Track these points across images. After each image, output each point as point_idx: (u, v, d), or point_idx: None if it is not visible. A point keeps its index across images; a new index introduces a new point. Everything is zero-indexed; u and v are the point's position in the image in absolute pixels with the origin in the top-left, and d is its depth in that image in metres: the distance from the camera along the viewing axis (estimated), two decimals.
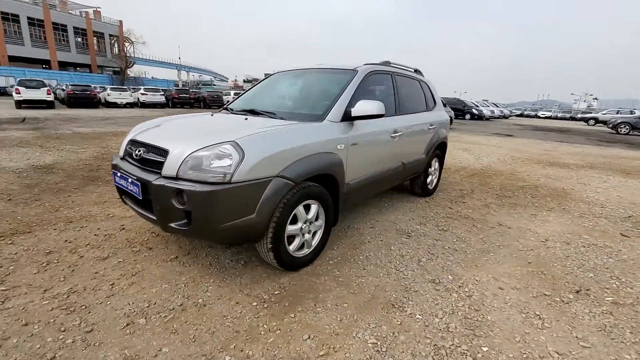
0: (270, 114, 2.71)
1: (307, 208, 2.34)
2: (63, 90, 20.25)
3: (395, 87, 3.39)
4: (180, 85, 59.62)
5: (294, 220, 2.25)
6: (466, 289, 2.22)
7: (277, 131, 2.20)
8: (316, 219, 2.44)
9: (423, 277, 2.36)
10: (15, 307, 1.86)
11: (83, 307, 1.89)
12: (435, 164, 4.30)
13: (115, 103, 20.92)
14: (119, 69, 48.59)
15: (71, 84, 20.41)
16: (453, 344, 1.71)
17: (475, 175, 5.77)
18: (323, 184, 2.45)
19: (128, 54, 50.83)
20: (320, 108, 2.63)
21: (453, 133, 13.64)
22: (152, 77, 61.10)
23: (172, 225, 1.98)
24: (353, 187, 2.75)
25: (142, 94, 22.05)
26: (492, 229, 3.31)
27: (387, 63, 3.54)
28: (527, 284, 2.31)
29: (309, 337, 1.73)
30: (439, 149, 4.33)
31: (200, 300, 2.00)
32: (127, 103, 21.35)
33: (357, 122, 2.73)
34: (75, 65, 47.05)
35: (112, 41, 51.51)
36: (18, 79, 17.11)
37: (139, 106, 22.01)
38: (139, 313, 1.86)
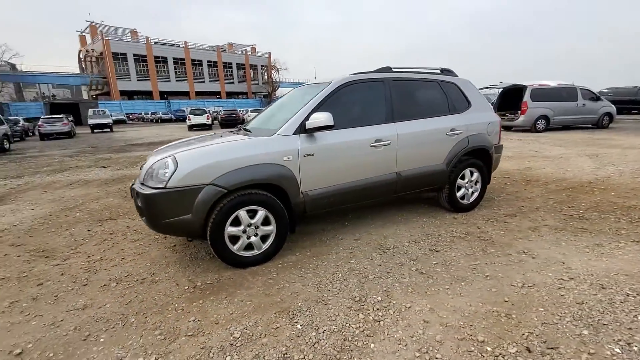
0: (249, 132, 3.09)
1: (254, 213, 2.61)
2: (219, 114, 26.08)
3: (388, 94, 3.21)
4: None
5: (237, 223, 2.56)
6: (382, 313, 2.01)
7: (217, 146, 2.59)
8: (267, 225, 2.67)
9: (350, 293, 2.24)
10: (63, 264, 2.87)
11: (95, 269, 2.74)
12: (471, 175, 3.69)
13: None
14: (267, 93, 58.34)
15: (224, 109, 25.96)
16: (304, 358, 1.67)
17: (569, 189, 4.51)
18: (274, 193, 2.67)
19: (274, 80, 60.41)
20: (280, 123, 2.85)
21: (601, 134, 10.59)
22: None
23: (142, 219, 2.63)
24: (314, 197, 2.82)
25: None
26: (507, 256, 2.68)
27: (387, 69, 3.40)
28: (465, 324, 1.89)
29: (194, 320, 2.02)
30: (477, 158, 3.70)
31: (157, 278, 2.56)
32: None
33: (319, 134, 2.81)
34: (236, 94, 59.21)
35: (263, 71, 62.24)
36: (190, 108, 23.06)
37: None
38: (116, 279, 2.56)
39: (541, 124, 12.04)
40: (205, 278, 2.52)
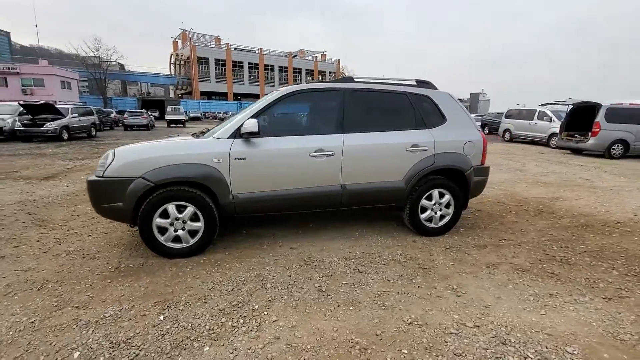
0: (202, 134, 3.26)
1: (183, 208, 2.80)
2: None
3: (341, 105, 3.14)
4: None
5: (166, 216, 2.78)
6: (243, 321, 2.01)
7: (156, 144, 2.84)
8: (196, 221, 2.84)
9: (235, 297, 2.28)
10: (46, 233, 3.41)
11: (63, 241, 3.21)
12: (441, 197, 3.38)
13: None
14: None
15: None
16: (139, 347, 1.78)
17: (582, 227, 3.83)
18: (205, 192, 2.83)
19: None
20: (221, 127, 3.00)
21: None
22: None
23: None
24: (245, 200, 2.90)
25: None
26: (429, 289, 2.43)
27: (348, 79, 3.32)
28: (312, 348, 1.79)
29: (89, 295, 2.26)
30: (449, 178, 3.38)
31: (97, 255, 2.90)
32: None
33: (258, 140, 2.90)
34: None
35: (331, 77, 63.62)
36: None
37: None
38: (68, 251, 2.97)
39: (617, 150, 10.22)
40: (131, 261, 2.78)
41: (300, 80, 58.77)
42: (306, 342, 1.84)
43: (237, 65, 51.86)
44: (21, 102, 13.01)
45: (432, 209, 3.40)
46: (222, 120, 23.26)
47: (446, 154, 3.36)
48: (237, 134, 2.86)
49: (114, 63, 45.81)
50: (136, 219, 2.76)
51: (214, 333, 1.91)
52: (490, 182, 6.16)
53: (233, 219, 3.67)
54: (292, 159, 2.98)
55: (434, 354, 1.77)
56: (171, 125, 26.75)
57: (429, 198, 3.38)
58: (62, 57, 48.36)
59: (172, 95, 52.94)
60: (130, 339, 1.85)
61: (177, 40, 52.82)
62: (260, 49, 54.15)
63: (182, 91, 50.81)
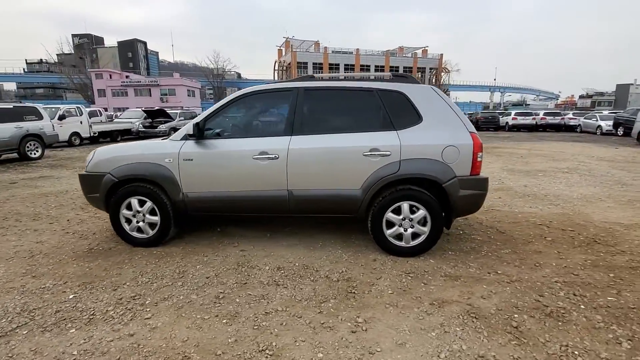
0: (169, 136, 3.50)
1: (144, 203, 3.11)
2: None
3: (294, 105, 2.95)
4: (491, 107, 58.52)
5: (130, 208, 3.13)
6: (99, 316, 2.12)
7: (126, 145, 3.20)
8: (154, 215, 3.12)
9: (135, 289, 2.43)
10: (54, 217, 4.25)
11: (68, 219, 3.95)
12: (412, 212, 2.84)
13: None
14: None
15: None
16: (36, 309, 2.08)
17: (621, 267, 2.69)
18: (160, 189, 3.08)
19: (443, 82, 56.99)
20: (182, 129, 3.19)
21: None
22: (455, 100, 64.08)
23: None
24: (194, 199, 3.04)
25: None
26: (332, 316, 2.11)
27: (309, 78, 3.12)
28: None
29: (48, 268, 2.73)
30: (428, 191, 2.82)
31: (87, 237, 3.46)
32: None
33: (208, 141, 3.00)
34: None
35: (432, 74, 59.63)
36: None
37: None
38: (70, 230, 3.64)
39: None
40: (104, 245, 3.24)
41: None
42: (149, 346, 1.84)
43: (334, 67, 53.48)
44: (143, 109, 16.37)
45: (401, 225, 2.90)
46: None
47: (415, 161, 2.81)
48: (187, 136, 3.02)
49: (232, 72, 53.21)
50: (106, 209, 3.19)
51: (91, 319, 2.08)
52: (558, 196, 4.91)
53: (218, 217, 3.84)
54: (235, 161, 2.97)
55: None
56: None
57: (398, 212, 2.89)
58: (196, 70, 58.75)
59: None
60: (35, 309, 2.17)
61: (281, 48, 57.73)
62: (357, 49, 54.56)
63: None
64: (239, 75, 58.56)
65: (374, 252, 3.04)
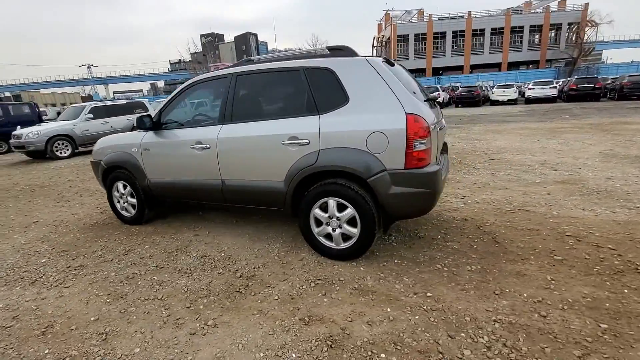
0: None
1: (125, 187, 3.59)
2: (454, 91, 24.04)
3: (227, 92, 2.84)
4: None
5: (117, 191, 3.66)
6: (51, 277, 2.55)
7: (116, 136, 3.67)
8: (133, 197, 3.57)
9: (89, 259, 2.84)
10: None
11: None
12: (340, 210, 2.46)
13: (498, 100, 21.38)
14: (570, 59, 44.81)
15: (463, 86, 23.56)
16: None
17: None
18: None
19: (587, 40, 44.91)
20: None
21: None
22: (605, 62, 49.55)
23: None
24: (155, 185, 3.33)
25: (529, 88, 20.48)
26: (177, 311, 2.07)
27: (247, 61, 2.94)
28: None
29: (57, 236, 3.47)
30: (352, 185, 2.39)
31: (106, 217, 4.20)
32: (509, 100, 21.03)
33: (163, 131, 3.22)
34: (524, 64, 49.78)
35: (571, 29, 47.57)
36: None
37: (524, 102, 20.81)
38: (105, 208, 4.46)
39: None
40: (107, 220, 3.88)
41: (521, 42, 47.62)
42: (40, 310, 2.18)
43: (439, 36, 48.19)
44: None
45: (328, 224, 2.55)
46: None
47: (334, 150, 2.38)
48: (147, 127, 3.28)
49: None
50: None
51: (35, 281, 2.57)
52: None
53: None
54: (176, 151, 3.09)
55: None
56: None
57: (325, 209, 2.54)
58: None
59: None
60: (17, 267, 2.82)
61: (381, 22, 55.00)
62: (469, 12, 47.58)
63: None
64: None
65: (309, 252, 2.77)
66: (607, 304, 1.91)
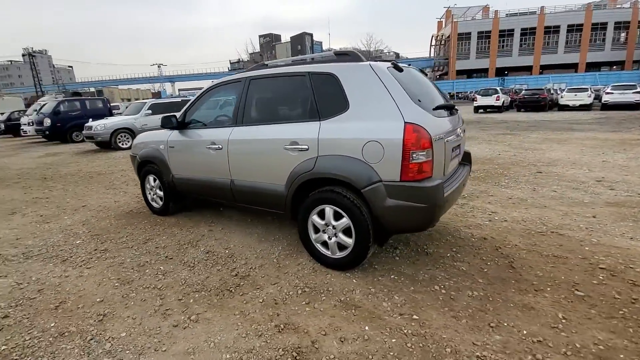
0: None
1: (155, 180, 3.90)
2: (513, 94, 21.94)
3: (244, 95, 2.93)
4: None
5: (149, 183, 3.99)
6: (70, 255, 2.87)
7: (150, 133, 3.99)
8: (161, 190, 3.87)
9: (90, 245, 3.14)
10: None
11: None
12: (336, 218, 2.41)
13: (567, 105, 19.16)
14: None
15: (527, 88, 21.48)
16: None
17: None
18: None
19: None
20: None
21: None
22: None
23: None
24: (178, 180, 3.56)
25: (607, 92, 17.98)
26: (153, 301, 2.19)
27: (261, 65, 3.01)
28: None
29: (96, 220, 3.90)
30: (349, 193, 2.32)
31: (140, 206, 4.61)
32: (581, 105, 18.72)
33: (186, 130, 3.44)
34: (606, 65, 43.99)
35: None
36: (480, 88, 21.38)
37: (600, 108, 18.33)
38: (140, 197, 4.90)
39: None
40: (141, 209, 4.24)
41: (603, 40, 42.09)
42: (61, 287, 2.46)
43: (506, 34, 44.55)
44: None
45: (325, 231, 2.52)
46: (473, 100, 21.25)
47: (331, 158, 2.33)
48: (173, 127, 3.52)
49: (390, 52, 52.85)
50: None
51: (66, 259, 2.92)
52: None
53: None
54: (196, 149, 3.27)
55: None
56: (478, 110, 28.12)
57: (322, 216, 2.51)
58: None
59: None
60: (56, 246, 3.22)
61: (441, 20, 52.48)
62: (542, 7, 43.25)
63: (440, 72, 50.74)
64: (397, 55, 57.45)
65: (307, 258, 2.76)
66: (622, 355, 1.61)
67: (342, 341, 1.81)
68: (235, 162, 2.95)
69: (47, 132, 11.97)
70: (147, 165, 3.89)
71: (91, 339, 1.90)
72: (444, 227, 3.29)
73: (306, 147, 2.46)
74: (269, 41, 65.00)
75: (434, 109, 2.40)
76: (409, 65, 2.90)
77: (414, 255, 2.75)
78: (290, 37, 64.00)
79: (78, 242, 3.31)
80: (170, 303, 2.23)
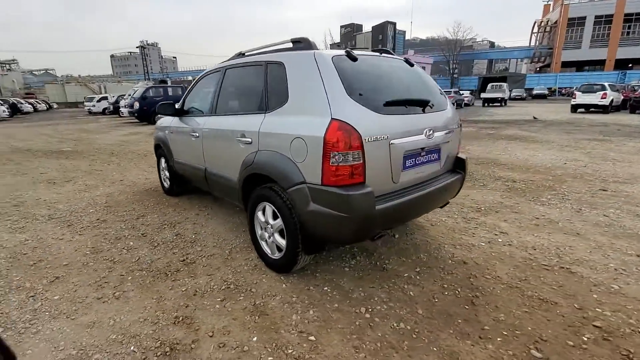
0: None
1: (165, 162, 4.23)
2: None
3: (219, 85, 2.94)
4: None
5: (160, 165, 4.35)
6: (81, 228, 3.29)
7: (164, 117, 4.32)
8: (167, 172, 4.19)
9: (107, 216, 3.52)
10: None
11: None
12: (274, 219, 2.27)
13: None
14: None
15: None
16: None
17: None
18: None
19: None
20: None
21: None
22: None
23: None
24: (177, 164, 3.79)
25: None
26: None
27: (238, 55, 2.97)
28: None
29: (125, 200, 4.43)
30: (281, 191, 2.17)
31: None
32: None
33: (182, 118, 3.64)
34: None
35: None
36: (582, 84, 17.82)
37: None
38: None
39: None
40: (154, 185, 4.67)
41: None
42: (47, 244, 2.86)
43: (633, 18, 36.15)
44: None
45: (265, 230, 2.42)
46: (571, 97, 18.89)
47: (267, 153, 2.20)
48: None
49: (484, 41, 48.00)
50: None
51: (84, 229, 3.38)
52: None
53: None
54: (183, 137, 3.42)
55: None
56: (487, 104, 25.31)
57: (264, 213, 2.41)
58: (440, 44, 57.39)
59: (523, 70, 47.41)
60: (77, 212, 3.76)
61: (549, 3, 45.02)
62: None
63: (540, 64, 43.97)
64: (492, 44, 51.92)
65: (257, 255, 2.68)
66: None
67: (220, 347, 1.72)
68: (206, 150, 3.02)
69: (136, 114, 14.01)
70: (159, 148, 4.24)
71: (32, 296, 2.17)
72: (426, 240, 2.87)
73: (250, 140, 2.37)
74: (350, 31, 64.41)
75: (385, 105, 2.06)
76: (411, 59, 2.60)
77: (368, 269, 2.46)
78: (372, 27, 62.41)
79: (91, 210, 3.81)
80: (111, 277, 2.40)
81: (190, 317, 1.96)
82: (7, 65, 60.99)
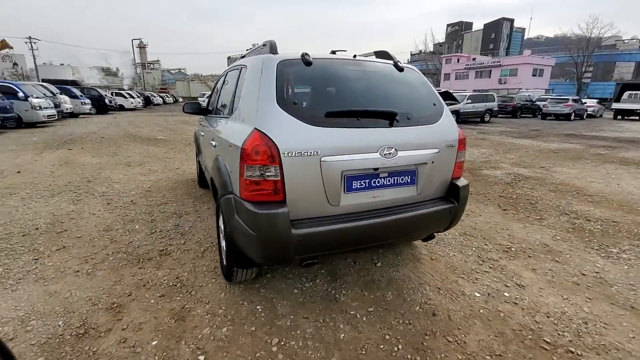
0: None
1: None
2: None
3: (237, 83, 3.00)
4: None
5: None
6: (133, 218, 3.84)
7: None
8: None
9: (143, 199, 4.02)
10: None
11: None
12: (223, 225, 2.25)
13: None
14: None
15: None
16: None
17: None
18: None
19: None
20: None
21: None
22: None
23: None
24: (200, 159, 4.09)
25: None
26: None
27: (242, 57, 2.99)
28: None
29: (150, 191, 5.03)
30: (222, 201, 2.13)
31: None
32: None
33: (209, 117, 3.89)
34: None
35: None
36: None
37: None
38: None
39: None
40: (192, 177, 5.13)
41: None
42: (63, 215, 3.42)
43: None
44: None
45: (221, 233, 2.41)
46: None
47: (219, 158, 2.18)
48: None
49: (634, 39, 38.99)
50: None
51: (115, 207, 3.98)
52: None
53: None
54: (205, 137, 3.60)
55: None
56: (619, 116, 20.33)
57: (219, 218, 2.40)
58: (571, 43, 48.37)
59: None
60: (123, 197, 4.42)
61: None
62: None
63: None
64: None
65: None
66: None
67: (121, 342, 1.78)
68: (204, 150, 3.16)
69: None
70: (195, 141, 4.64)
71: (35, 259, 2.62)
72: (408, 276, 2.45)
73: (215, 144, 2.38)
74: (457, 30, 59.52)
75: (326, 115, 1.80)
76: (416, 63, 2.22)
77: (318, 296, 2.22)
78: (484, 25, 56.47)
79: (133, 193, 4.42)
80: (99, 254, 2.73)
81: (124, 306, 2.08)
82: (152, 66, 75.78)
